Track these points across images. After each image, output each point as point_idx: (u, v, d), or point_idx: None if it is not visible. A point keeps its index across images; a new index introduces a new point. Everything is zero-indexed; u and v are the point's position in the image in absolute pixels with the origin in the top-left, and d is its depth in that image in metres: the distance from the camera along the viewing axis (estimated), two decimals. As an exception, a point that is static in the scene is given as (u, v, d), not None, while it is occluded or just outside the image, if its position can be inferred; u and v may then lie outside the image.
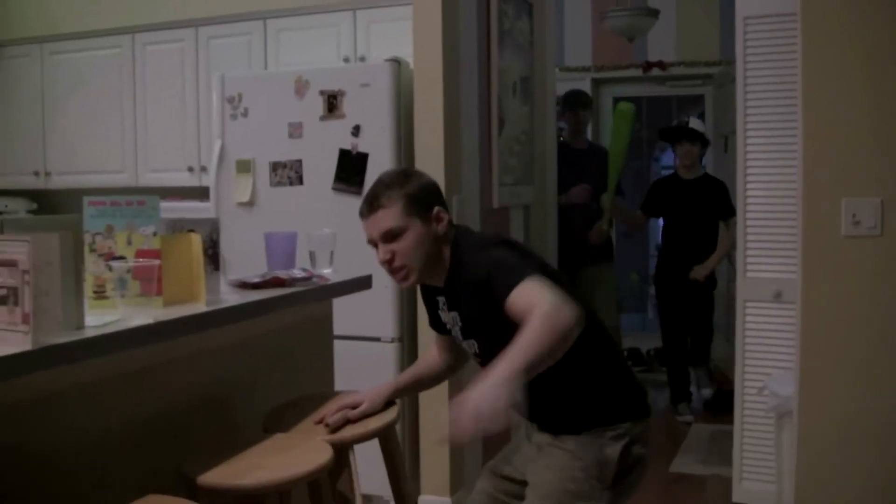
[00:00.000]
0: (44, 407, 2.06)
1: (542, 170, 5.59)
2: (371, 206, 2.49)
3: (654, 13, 6.36)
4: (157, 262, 2.24)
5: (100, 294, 2.33)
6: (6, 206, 5.92)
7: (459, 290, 2.47)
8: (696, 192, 5.82)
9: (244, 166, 4.43)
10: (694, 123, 5.86)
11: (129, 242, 2.40)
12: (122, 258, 2.36)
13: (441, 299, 2.58)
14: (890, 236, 3.14)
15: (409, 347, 4.18)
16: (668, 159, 8.62)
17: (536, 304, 2.11)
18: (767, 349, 4.25)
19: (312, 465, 2.24)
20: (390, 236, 2.46)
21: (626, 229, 6.47)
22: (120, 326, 2.09)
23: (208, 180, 4.78)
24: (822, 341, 3.26)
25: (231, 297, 2.61)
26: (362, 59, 4.83)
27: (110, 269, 2.30)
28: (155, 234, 2.42)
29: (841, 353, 3.23)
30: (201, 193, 5.09)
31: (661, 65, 7.46)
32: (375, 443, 2.76)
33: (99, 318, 2.13)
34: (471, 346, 2.54)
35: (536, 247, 5.50)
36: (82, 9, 5.60)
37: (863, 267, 3.19)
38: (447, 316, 2.58)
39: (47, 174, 5.73)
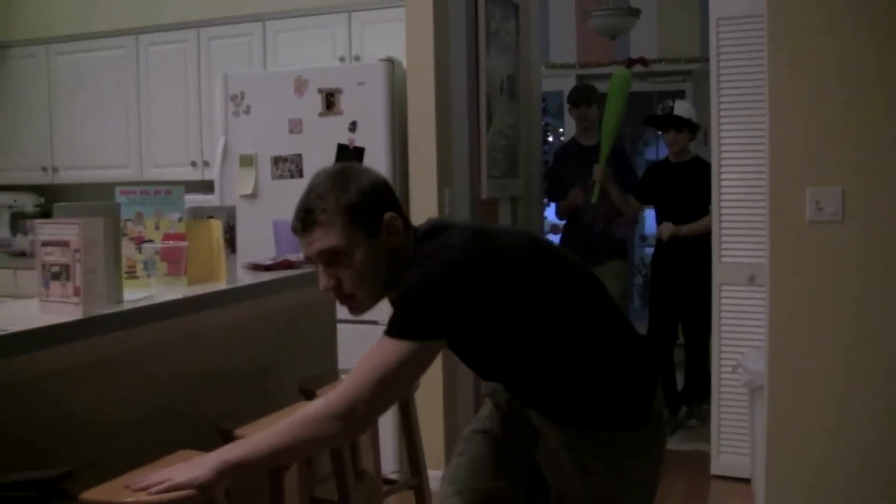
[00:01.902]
0: (87, 374, 2.31)
1: (528, 163, 5.84)
2: (304, 224, 2.07)
3: (636, 12, 6.55)
4: (184, 243, 2.49)
5: (130, 274, 2.58)
6: (14, 201, 6.17)
7: None
8: (685, 176, 5.53)
9: (247, 161, 4.69)
10: (680, 108, 5.59)
11: (157, 227, 2.65)
12: (150, 241, 2.61)
13: None
14: (850, 222, 3.37)
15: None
16: (652, 154, 8.84)
17: (346, 392, 1.94)
18: (742, 330, 4.50)
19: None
20: (330, 257, 2.04)
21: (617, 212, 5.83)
22: (154, 300, 2.35)
23: (210, 174, 5.04)
24: (789, 320, 3.48)
25: (247, 278, 2.86)
26: (357, 58, 5.07)
27: (140, 251, 2.56)
28: (180, 219, 2.67)
29: (807, 330, 3.45)
30: (204, 187, 5.31)
31: (643, 61, 7.66)
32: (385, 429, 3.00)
33: (133, 295, 2.38)
34: (453, 355, 2.25)
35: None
36: (87, 11, 5.82)
37: (825, 251, 3.41)
38: None
39: (55, 170, 5.97)
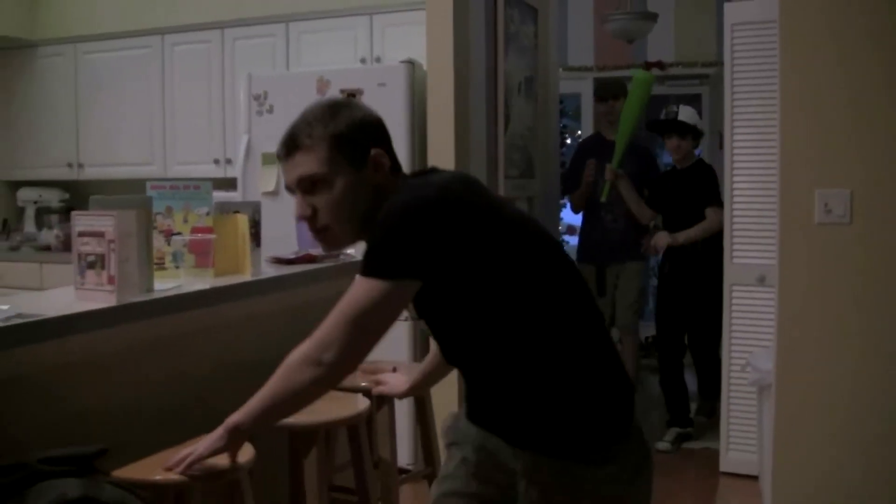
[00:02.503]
0: (118, 361, 2.41)
1: (545, 164, 5.92)
2: (288, 148, 1.99)
3: (653, 17, 6.62)
4: (212, 236, 2.59)
5: (159, 265, 2.69)
6: (40, 196, 6.31)
7: None
8: (689, 180, 5.37)
9: (269, 159, 4.80)
10: (684, 114, 5.36)
11: (186, 221, 2.76)
12: (179, 234, 2.72)
13: None
14: (858, 224, 3.43)
15: (423, 325, 4.50)
16: (668, 158, 8.86)
17: (318, 335, 1.91)
18: (752, 329, 4.57)
19: (353, 411, 2.69)
20: (310, 185, 1.96)
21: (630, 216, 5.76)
22: (182, 290, 2.46)
23: (233, 172, 5.16)
24: (797, 320, 3.55)
25: (270, 271, 2.97)
26: (378, 60, 5.16)
27: (169, 243, 2.67)
28: (208, 214, 2.78)
29: (814, 330, 3.51)
30: (226, 184, 5.41)
31: (660, 65, 7.69)
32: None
33: (163, 285, 2.49)
34: (425, 326, 2.12)
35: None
36: (114, 11, 5.95)
37: (834, 252, 3.47)
38: None
39: (80, 166, 6.11)
